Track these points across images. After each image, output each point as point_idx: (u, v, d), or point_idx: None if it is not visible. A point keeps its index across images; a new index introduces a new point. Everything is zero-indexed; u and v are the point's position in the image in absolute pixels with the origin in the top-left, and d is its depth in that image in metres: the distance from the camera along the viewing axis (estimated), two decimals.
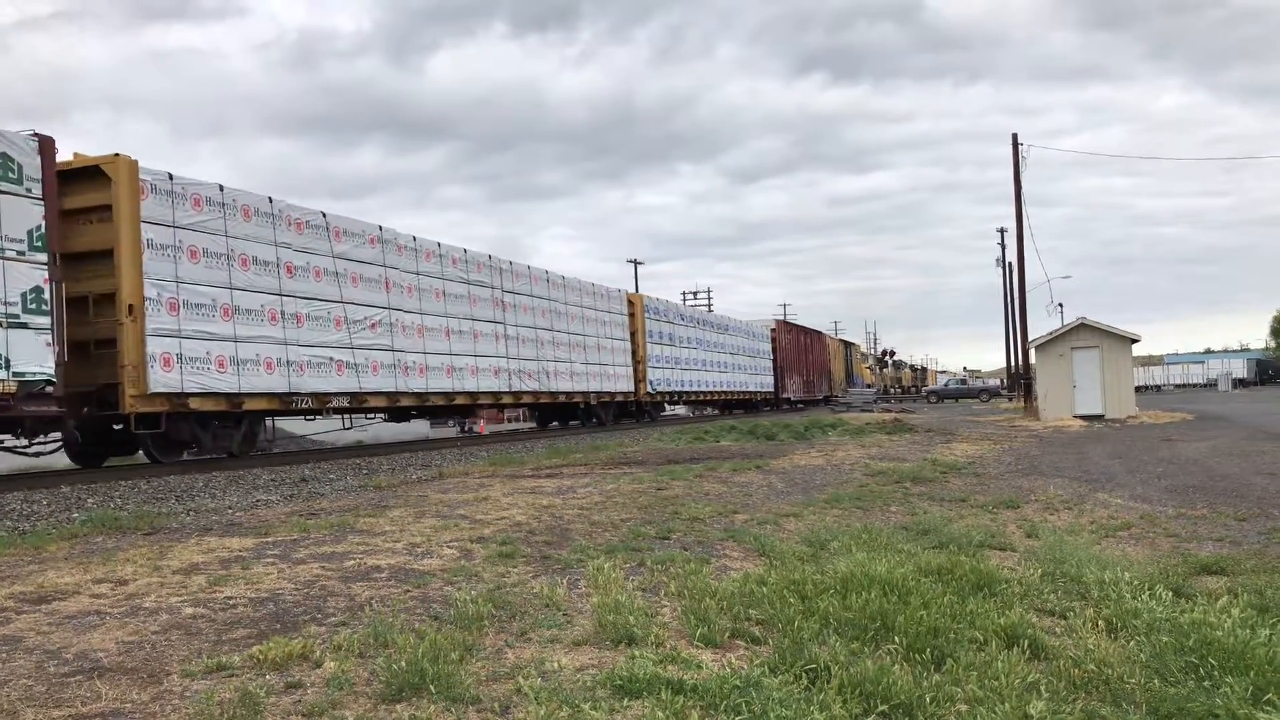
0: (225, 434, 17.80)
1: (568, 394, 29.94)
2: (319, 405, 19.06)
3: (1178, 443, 19.01)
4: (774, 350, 53.29)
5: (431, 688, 3.91)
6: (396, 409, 22.62)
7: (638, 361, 35.49)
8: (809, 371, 59.91)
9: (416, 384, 21.94)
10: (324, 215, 19.58)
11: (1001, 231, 60.89)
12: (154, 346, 15.22)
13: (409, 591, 5.78)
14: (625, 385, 34.20)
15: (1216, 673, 4.37)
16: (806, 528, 8.73)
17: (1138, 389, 32.00)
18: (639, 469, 14.22)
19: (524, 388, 27.00)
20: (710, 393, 43.44)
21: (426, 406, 23.44)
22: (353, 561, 6.65)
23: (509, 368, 26.19)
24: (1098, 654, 4.71)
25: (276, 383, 17.72)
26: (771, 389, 52.41)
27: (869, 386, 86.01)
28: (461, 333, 24.12)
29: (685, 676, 4.21)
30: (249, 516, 9.66)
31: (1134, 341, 31.39)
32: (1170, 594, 5.90)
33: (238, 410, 17.23)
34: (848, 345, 78.46)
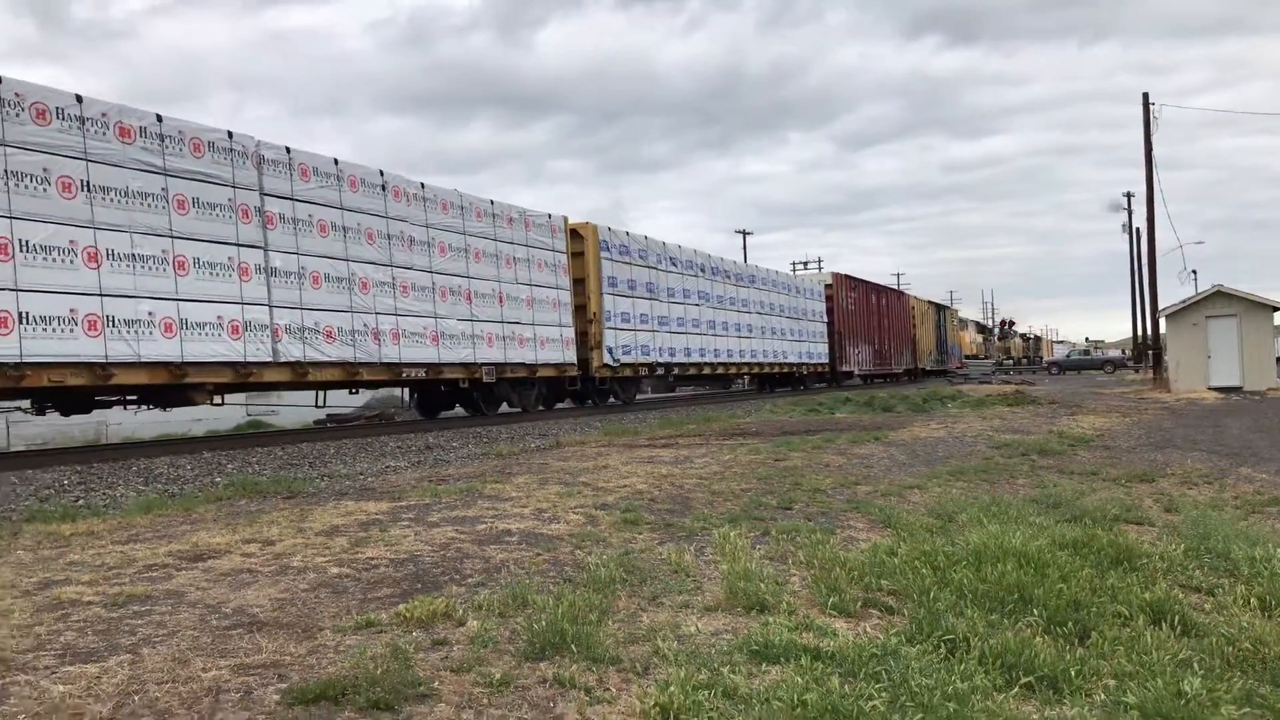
0: None
1: (430, 366, 19.16)
2: None
3: None
4: (830, 312, 41.76)
5: (573, 647, 4.00)
6: None
7: (588, 320, 24.66)
8: (882, 339, 48.46)
9: None
10: None
11: (1128, 196, 58.48)
12: None
13: (540, 555, 5.90)
14: (558, 354, 23.24)
15: None
16: (932, 500, 8.59)
17: (1278, 360, 30.46)
18: (754, 440, 14.18)
19: (315, 356, 16.44)
20: (723, 364, 32.18)
21: (43, 389, 13.02)
22: (484, 525, 6.83)
23: (279, 323, 15.79)
24: (1253, 632, 4.54)
25: None
26: (826, 360, 41.09)
27: (972, 358, 77.62)
28: (140, 259, 13.71)
29: (821, 644, 4.21)
30: (380, 482, 9.99)
31: (1276, 309, 29.83)
32: None
33: None
34: (940, 309, 65.32)
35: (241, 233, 15.49)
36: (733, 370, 33.94)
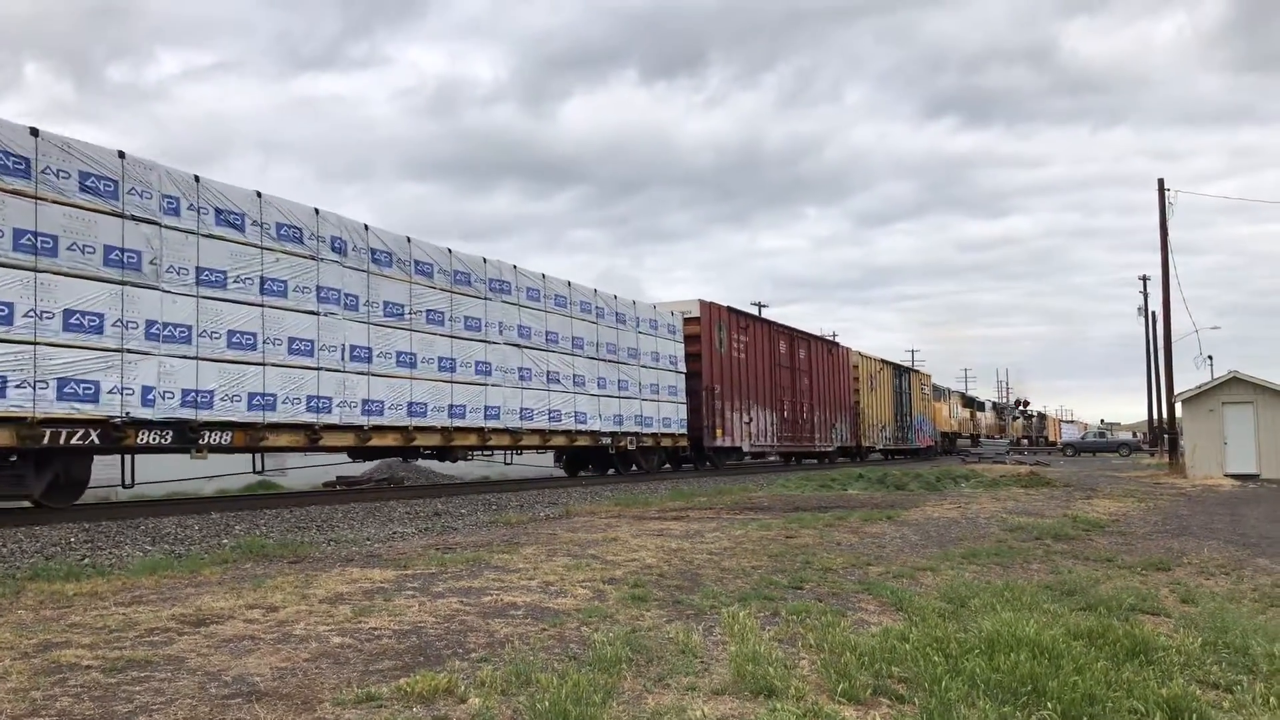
0: None
1: None
2: None
3: None
4: (695, 358, 28.62)
5: None
6: None
7: None
8: (798, 405, 35.57)
9: None
10: None
11: (1144, 279, 58.56)
12: None
13: (545, 630, 5.82)
14: None
15: None
16: (944, 583, 8.46)
17: None
18: (766, 515, 14.06)
19: None
20: (397, 428, 17.61)
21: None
22: (490, 597, 6.75)
23: None
24: None
25: None
26: (682, 429, 27.82)
27: (951, 435, 65.66)
28: None
29: None
30: (387, 548, 9.91)
31: None
32: None
33: None
34: (903, 372, 52.32)
35: None
36: (435, 439, 18.92)
